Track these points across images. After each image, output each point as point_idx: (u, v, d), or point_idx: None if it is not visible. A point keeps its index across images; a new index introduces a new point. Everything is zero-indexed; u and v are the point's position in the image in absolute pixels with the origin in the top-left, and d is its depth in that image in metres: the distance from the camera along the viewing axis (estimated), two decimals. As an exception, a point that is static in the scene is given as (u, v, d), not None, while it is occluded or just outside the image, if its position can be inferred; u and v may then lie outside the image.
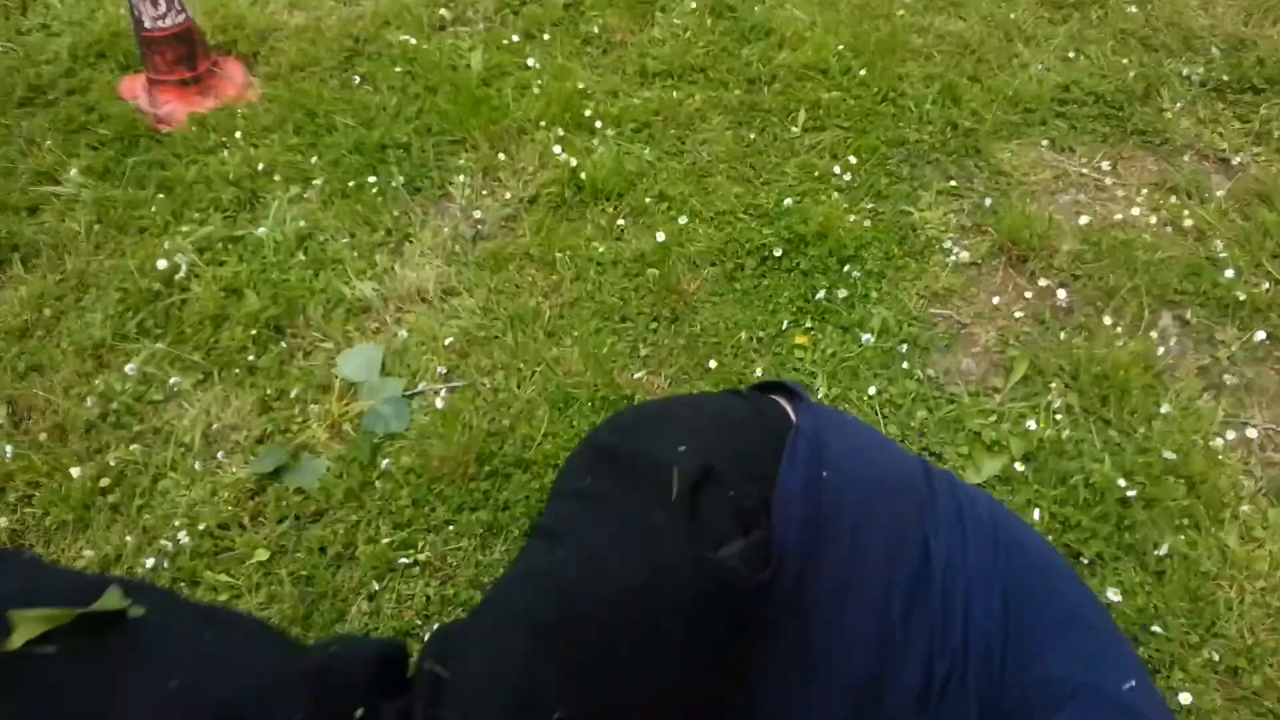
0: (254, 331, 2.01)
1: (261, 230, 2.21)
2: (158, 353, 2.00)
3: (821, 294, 2.05)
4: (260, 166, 2.36)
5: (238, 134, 2.44)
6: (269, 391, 1.89)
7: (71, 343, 2.02)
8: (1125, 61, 2.56)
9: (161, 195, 2.32)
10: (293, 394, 1.89)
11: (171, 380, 1.94)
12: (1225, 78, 2.50)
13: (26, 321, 2.07)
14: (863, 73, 2.52)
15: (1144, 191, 2.24)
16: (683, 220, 2.20)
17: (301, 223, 2.23)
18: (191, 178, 2.34)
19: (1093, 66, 2.57)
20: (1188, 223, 2.16)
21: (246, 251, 2.18)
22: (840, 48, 2.58)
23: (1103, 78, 2.51)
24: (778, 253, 2.11)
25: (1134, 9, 2.74)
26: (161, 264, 2.11)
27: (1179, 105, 2.45)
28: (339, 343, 2.02)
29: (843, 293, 2.05)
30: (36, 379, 1.97)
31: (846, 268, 2.09)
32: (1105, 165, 2.31)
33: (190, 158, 2.40)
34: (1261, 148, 2.35)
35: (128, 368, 1.97)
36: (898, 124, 2.42)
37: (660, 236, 2.16)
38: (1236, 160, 2.32)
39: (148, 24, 2.43)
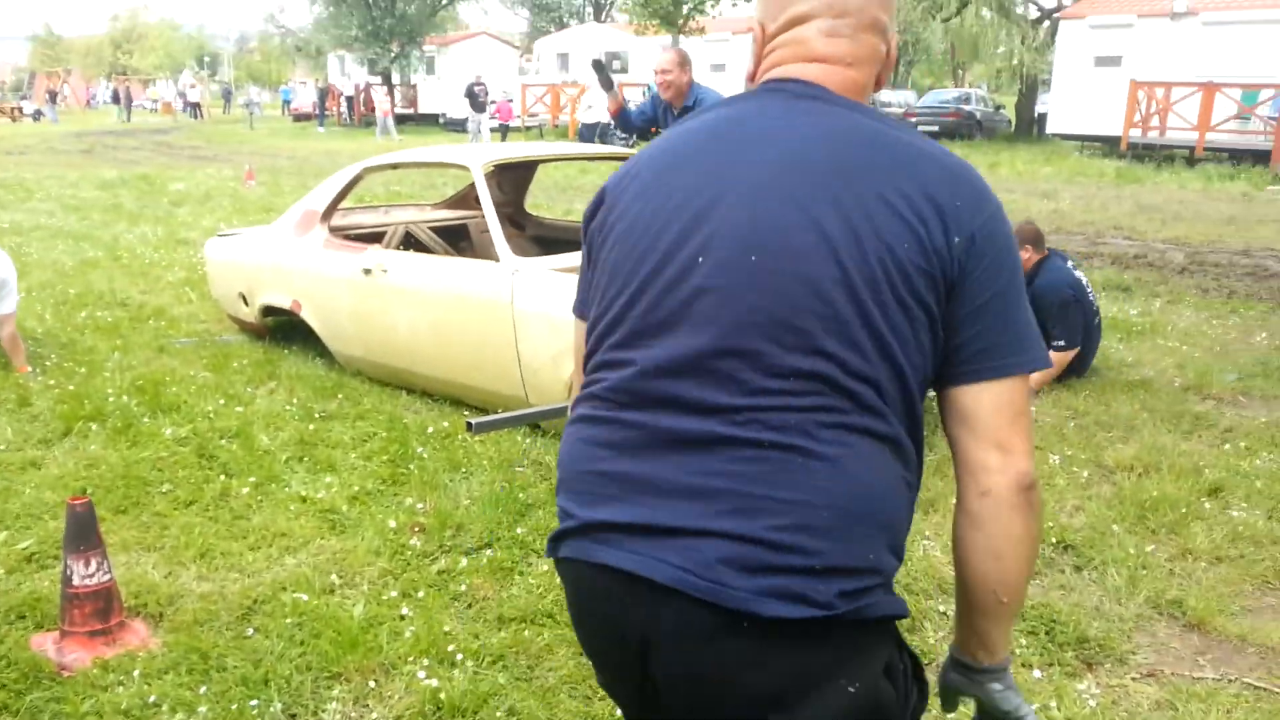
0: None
1: (143, 750, 2.45)
2: None
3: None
4: (151, 699, 2.65)
5: (135, 672, 2.75)
6: None
7: None
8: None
9: (52, 726, 2.55)
10: None
11: None
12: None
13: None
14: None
15: (913, 696, 2.69)
16: (526, 727, 2.53)
17: (181, 742, 2.47)
18: (85, 710, 2.61)
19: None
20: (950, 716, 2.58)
21: (124, 769, 2.39)
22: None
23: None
24: (607, 751, 2.43)
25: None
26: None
27: (941, 634, 3.01)
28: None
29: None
30: None
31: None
32: (880, 677, 2.79)
33: (87, 693, 2.67)
34: None
35: None
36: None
37: (505, 741, 2.47)
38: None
39: (76, 581, 2.87)
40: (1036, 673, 2.85)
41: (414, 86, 35.83)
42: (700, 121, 1.38)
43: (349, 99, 36.71)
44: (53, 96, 43.25)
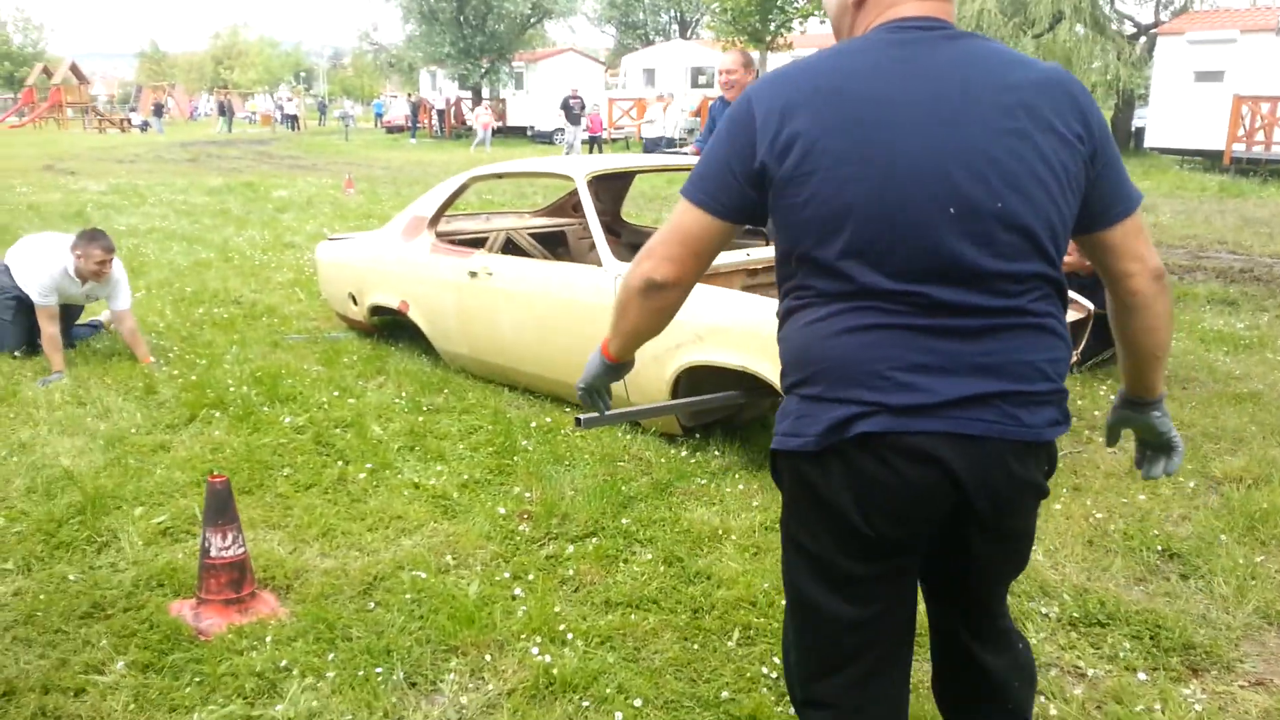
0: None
1: (279, 708, 2.60)
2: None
3: (754, 761, 2.41)
4: (283, 663, 2.81)
5: (267, 639, 2.92)
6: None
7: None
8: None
9: (194, 684, 2.73)
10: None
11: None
12: (1075, 615, 3.12)
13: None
14: (784, 603, 3.11)
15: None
16: (637, 704, 2.62)
17: (314, 703, 2.63)
18: (222, 671, 2.78)
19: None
20: (1053, 713, 2.61)
21: (262, 726, 2.55)
22: (766, 586, 3.21)
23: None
24: (716, 729, 2.51)
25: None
26: (191, 725, 2.47)
27: (1042, 635, 3.02)
28: (333, 797, 2.31)
29: (772, 761, 2.41)
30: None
31: (775, 742, 2.48)
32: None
33: (223, 656, 2.85)
34: (1111, 665, 2.88)
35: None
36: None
37: (619, 716, 2.56)
38: (1090, 673, 2.83)
39: (213, 553, 3.06)
40: (1141, 675, 2.84)
41: (503, 101, 36.51)
42: (865, 66, 1.64)
43: (440, 112, 37.56)
44: (158, 109, 45.13)
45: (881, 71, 1.62)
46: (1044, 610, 3.17)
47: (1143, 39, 28.50)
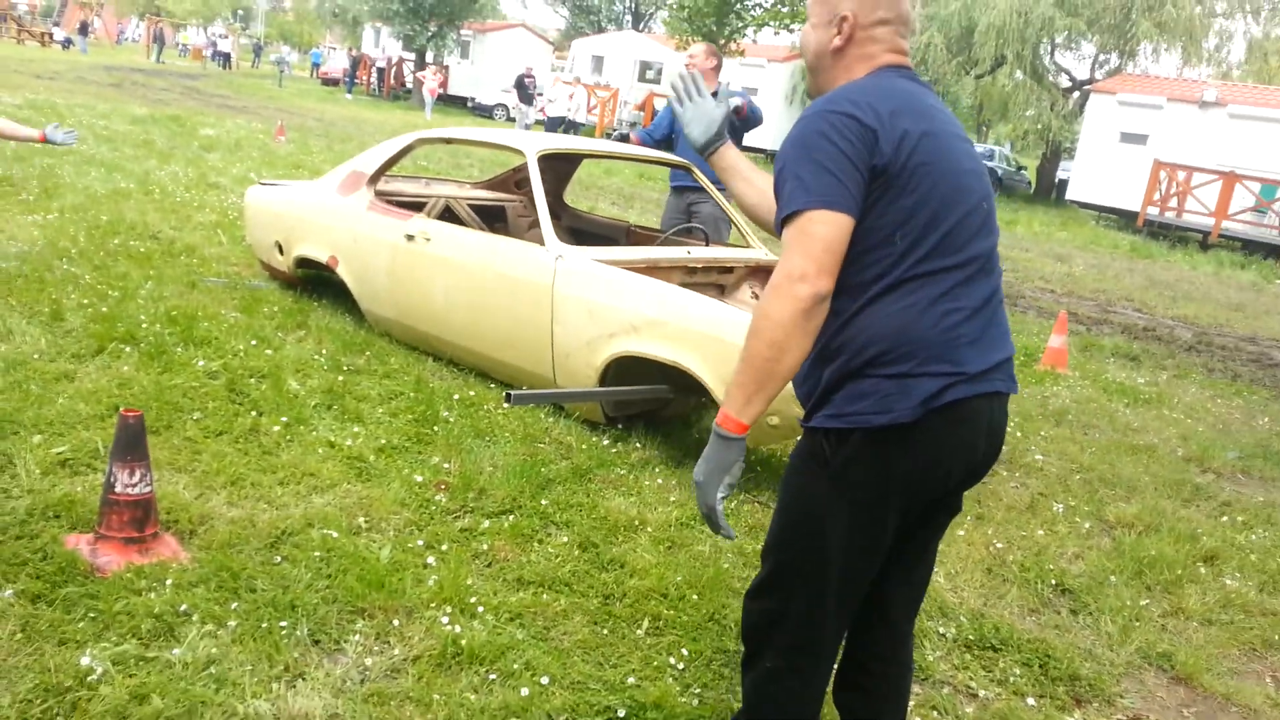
0: (151, 729, 2.25)
1: (175, 652, 2.53)
2: (54, 738, 2.20)
3: (655, 749, 2.43)
4: (183, 607, 2.73)
5: (168, 582, 2.83)
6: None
7: (-28, 723, 2.21)
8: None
9: (87, 619, 2.63)
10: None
11: (61, 763, 2.13)
12: (971, 637, 3.22)
13: (-71, 706, 2.25)
14: (695, 597, 3.15)
15: (911, 705, 2.79)
16: (544, 681, 2.62)
17: (213, 650, 2.56)
18: (118, 609, 2.68)
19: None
20: (946, 728, 2.70)
21: (156, 669, 2.47)
22: (679, 580, 3.24)
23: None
24: (621, 714, 2.53)
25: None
26: (84, 660, 2.39)
27: (938, 653, 3.11)
28: (225, 748, 2.26)
29: (673, 750, 2.44)
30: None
31: (677, 732, 2.51)
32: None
33: (120, 594, 2.75)
34: (1001, 689, 2.99)
35: (22, 748, 2.15)
36: (721, 636, 2.99)
37: (524, 692, 2.56)
38: (981, 694, 2.93)
39: (118, 488, 2.95)
40: (1030, 700, 2.95)
41: (445, 67, 35.94)
42: (908, 92, 1.98)
43: (380, 71, 36.78)
44: (83, 27, 43.18)
45: (914, 98, 1.96)
46: (941, 630, 3.27)
47: (1076, 94, 29.51)
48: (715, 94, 6.22)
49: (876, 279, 1.88)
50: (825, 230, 1.82)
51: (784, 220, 1.87)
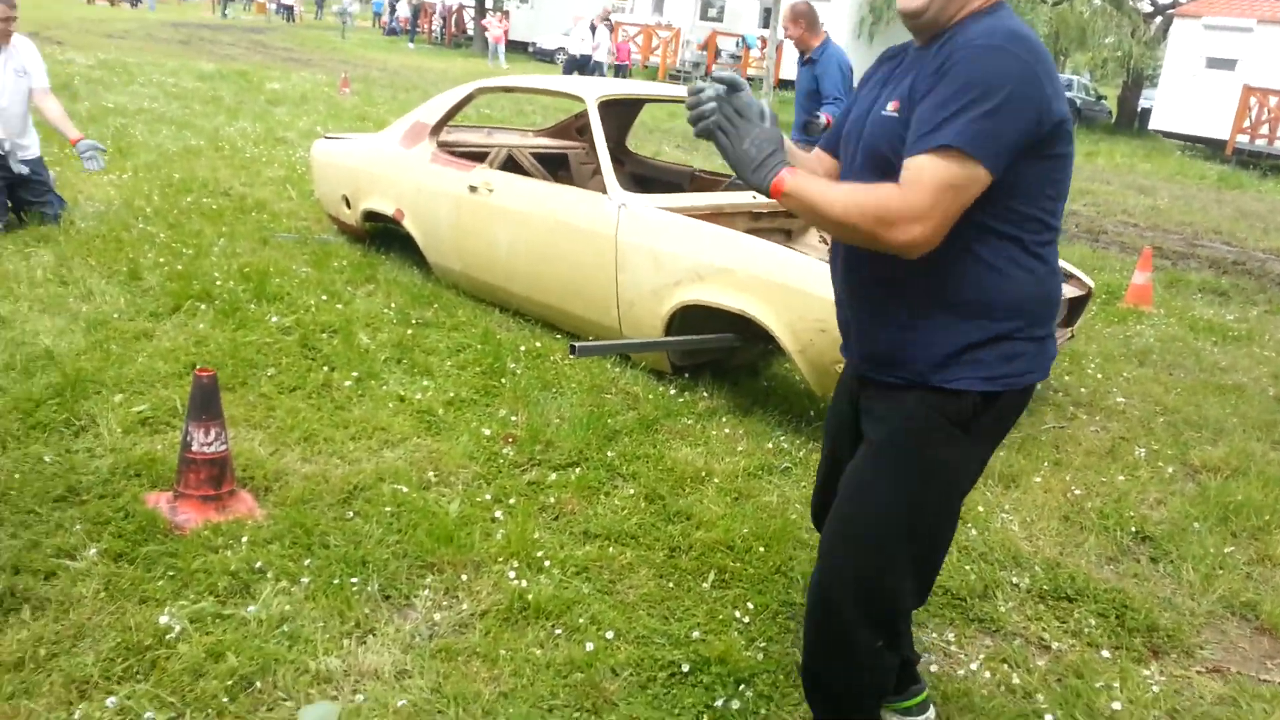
0: (229, 683, 2.31)
1: (250, 609, 2.59)
2: (138, 691, 2.27)
3: (719, 703, 2.43)
4: (258, 564, 2.79)
5: (244, 539, 2.90)
6: (240, 723, 2.15)
7: (61, 675, 2.29)
8: (967, 568, 3.21)
9: (166, 577, 2.71)
10: (261, 725, 2.15)
11: (146, 715, 2.20)
12: (1045, 587, 3.15)
13: (21, 657, 2.35)
14: (761, 550, 3.13)
15: (981, 658, 2.75)
16: (609, 635, 2.63)
17: (286, 607, 2.62)
18: (196, 567, 2.76)
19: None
20: (1015, 681, 2.65)
21: (231, 626, 2.54)
22: (745, 531, 3.22)
23: (949, 578, 3.14)
24: (685, 668, 2.53)
25: (974, 531, 3.46)
26: (162, 619, 2.46)
27: (1010, 604, 3.05)
28: (300, 701, 2.32)
29: (735, 705, 2.44)
30: (22, 701, 2.21)
31: (741, 686, 2.50)
32: (951, 636, 2.85)
33: (198, 552, 2.83)
34: (1075, 640, 2.92)
35: (108, 701, 2.24)
36: (788, 590, 2.97)
37: (589, 646, 2.58)
38: (1055, 647, 2.87)
39: (194, 447, 3.02)
40: (1104, 653, 2.88)
41: (507, 13, 35.66)
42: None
43: (443, 18, 36.64)
44: (153, -15, 43.74)
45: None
46: (1014, 580, 3.20)
47: (1159, 19, 28.17)
48: (813, 61, 6.10)
49: (1016, 239, 1.87)
50: (970, 186, 1.74)
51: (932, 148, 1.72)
